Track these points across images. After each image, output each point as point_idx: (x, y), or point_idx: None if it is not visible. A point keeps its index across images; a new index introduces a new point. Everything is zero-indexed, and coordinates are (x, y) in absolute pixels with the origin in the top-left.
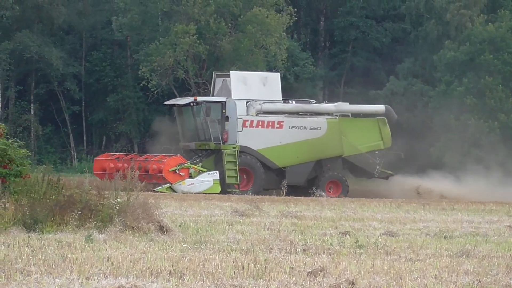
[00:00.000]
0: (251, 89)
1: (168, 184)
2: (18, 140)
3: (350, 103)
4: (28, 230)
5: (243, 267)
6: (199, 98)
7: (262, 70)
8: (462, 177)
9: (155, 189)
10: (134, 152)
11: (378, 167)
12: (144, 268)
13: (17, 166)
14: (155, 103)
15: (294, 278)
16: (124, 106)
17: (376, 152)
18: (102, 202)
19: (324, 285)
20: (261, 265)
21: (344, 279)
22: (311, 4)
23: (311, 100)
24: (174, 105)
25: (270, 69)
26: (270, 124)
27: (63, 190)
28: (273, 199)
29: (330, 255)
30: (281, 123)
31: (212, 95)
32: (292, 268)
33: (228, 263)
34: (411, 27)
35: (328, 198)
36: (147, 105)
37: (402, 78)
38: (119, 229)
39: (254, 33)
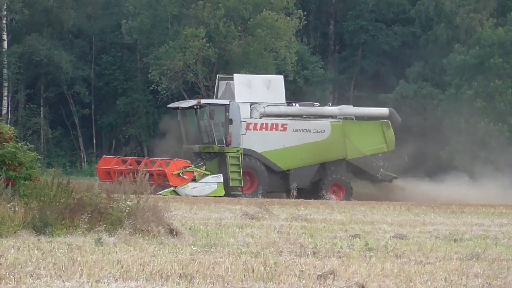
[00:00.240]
0: (254, 92)
1: (172, 188)
2: (27, 143)
3: (359, 107)
4: (38, 233)
5: (253, 270)
6: (203, 101)
7: (272, 74)
8: (473, 180)
9: (159, 192)
10: (144, 156)
11: (381, 170)
12: (154, 271)
13: (27, 169)
14: (165, 107)
15: (304, 281)
16: (133, 110)
17: (380, 155)
18: (111, 205)
19: None
20: (271, 268)
21: (354, 282)
22: (321, 8)
23: (315, 103)
24: (178, 108)
25: (279, 72)
26: (274, 127)
27: (73, 193)
28: (283, 202)
29: (340, 258)
30: (285, 126)
31: (216, 98)
32: (302, 271)
33: (238, 266)
34: (421, 31)
35: (338, 201)
36: (157, 109)
37: (411, 82)
38: (129, 232)
39: (263, 36)
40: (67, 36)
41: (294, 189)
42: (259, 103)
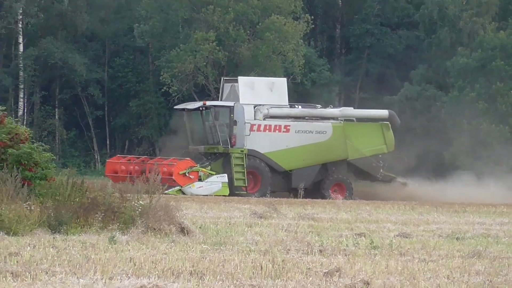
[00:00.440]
0: (258, 94)
1: (178, 187)
2: (43, 144)
3: (364, 108)
4: (53, 231)
5: (261, 268)
6: (208, 103)
7: (280, 76)
8: (476, 180)
9: (165, 191)
10: (156, 156)
11: (381, 170)
12: (165, 269)
13: (42, 169)
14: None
15: (310, 278)
16: (145, 111)
17: (380, 156)
18: (124, 205)
19: (340, 285)
20: (279, 265)
21: (359, 279)
22: (328, 12)
23: (317, 105)
24: (183, 109)
25: (287, 75)
26: (277, 128)
27: (87, 193)
28: (290, 202)
29: (345, 256)
30: (288, 127)
31: (221, 100)
32: (309, 268)
33: (247, 263)
34: (425, 35)
35: (344, 201)
36: (168, 110)
37: (415, 84)
38: (141, 231)
39: (272, 40)
40: (81, 39)
41: (301, 189)
42: (263, 105)
